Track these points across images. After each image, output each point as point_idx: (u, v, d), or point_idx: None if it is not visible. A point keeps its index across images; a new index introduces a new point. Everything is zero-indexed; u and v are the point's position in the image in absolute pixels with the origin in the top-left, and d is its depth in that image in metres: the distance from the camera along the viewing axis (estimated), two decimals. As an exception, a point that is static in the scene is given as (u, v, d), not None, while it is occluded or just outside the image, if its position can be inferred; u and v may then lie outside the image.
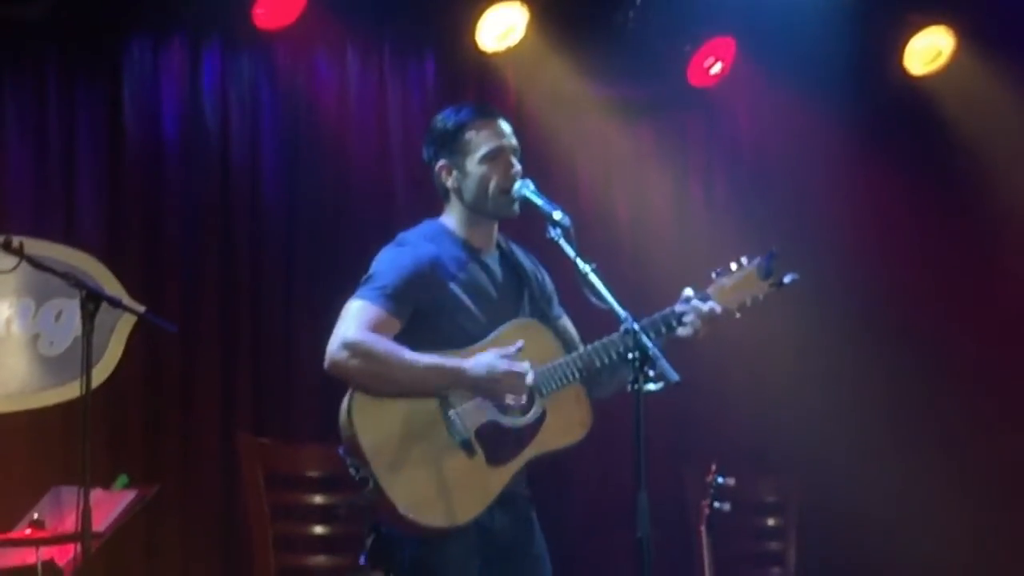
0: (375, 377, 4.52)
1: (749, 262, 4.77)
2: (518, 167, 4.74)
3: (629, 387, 4.28)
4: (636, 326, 4.34)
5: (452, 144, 4.76)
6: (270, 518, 6.64)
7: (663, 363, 4.24)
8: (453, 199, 4.79)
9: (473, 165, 4.73)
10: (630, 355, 4.29)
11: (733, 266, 4.76)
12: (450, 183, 4.77)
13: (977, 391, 7.89)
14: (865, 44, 7.83)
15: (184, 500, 6.89)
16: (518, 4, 7.36)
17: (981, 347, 7.93)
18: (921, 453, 7.64)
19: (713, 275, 4.77)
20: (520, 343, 4.59)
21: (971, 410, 7.86)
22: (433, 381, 4.55)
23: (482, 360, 4.56)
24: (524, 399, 4.60)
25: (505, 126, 4.80)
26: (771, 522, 7.59)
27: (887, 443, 7.65)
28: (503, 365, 4.54)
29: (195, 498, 6.94)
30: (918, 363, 7.81)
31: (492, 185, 4.71)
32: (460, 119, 4.78)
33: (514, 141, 4.79)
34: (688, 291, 4.71)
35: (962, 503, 7.60)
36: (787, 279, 4.73)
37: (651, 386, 4.25)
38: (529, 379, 4.58)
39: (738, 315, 4.75)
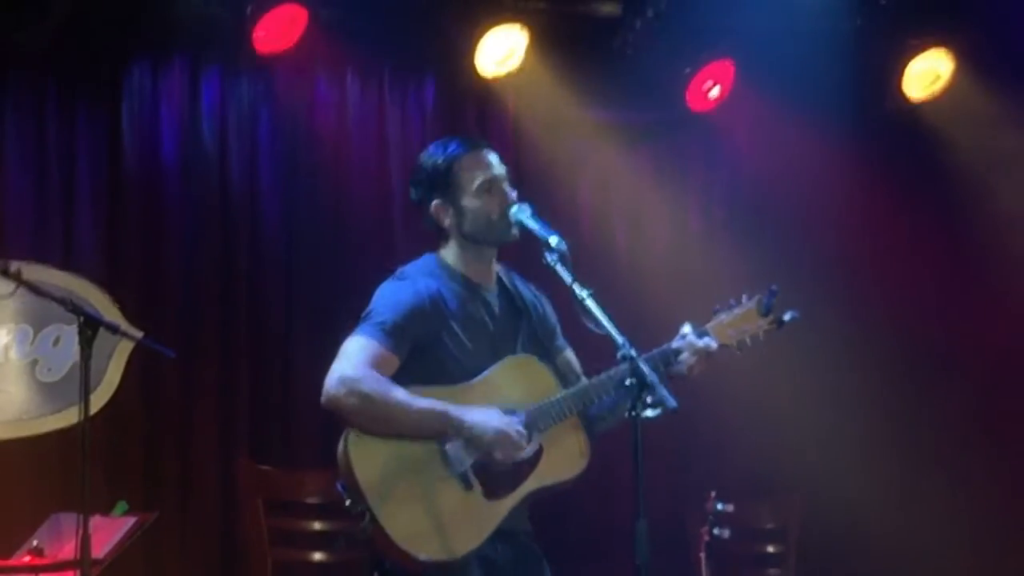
0: (371, 418, 4.52)
1: (749, 299, 4.77)
2: (513, 194, 4.74)
3: (627, 414, 4.27)
4: (633, 352, 4.34)
5: (444, 182, 4.74)
6: (269, 544, 6.62)
7: (661, 390, 4.23)
8: (451, 234, 4.78)
9: (469, 199, 4.72)
10: (627, 382, 4.28)
11: (733, 303, 4.77)
12: (447, 222, 4.76)
13: (979, 416, 7.88)
14: (864, 68, 7.84)
15: (183, 526, 6.89)
16: (518, 28, 7.37)
17: (981, 370, 7.92)
18: (922, 479, 7.63)
19: (713, 310, 4.78)
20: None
21: (973, 435, 7.85)
22: (429, 426, 4.53)
23: (487, 421, 4.53)
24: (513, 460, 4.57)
25: (493, 156, 4.79)
26: (770, 548, 7.56)
27: (887, 468, 7.64)
28: (502, 427, 4.52)
29: (194, 524, 6.93)
30: (918, 387, 7.81)
31: (491, 216, 4.71)
32: (450, 155, 4.76)
33: (504, 169, 4.79)
34: (687, 327, 4.71)
35: (965, 530, 7.59)
36: (787, 317, 4.74)
37: (649, 413, 4.25)
38: (526, 453, 4.57)
39: (739, 353, 4.75)
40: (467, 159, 4.75)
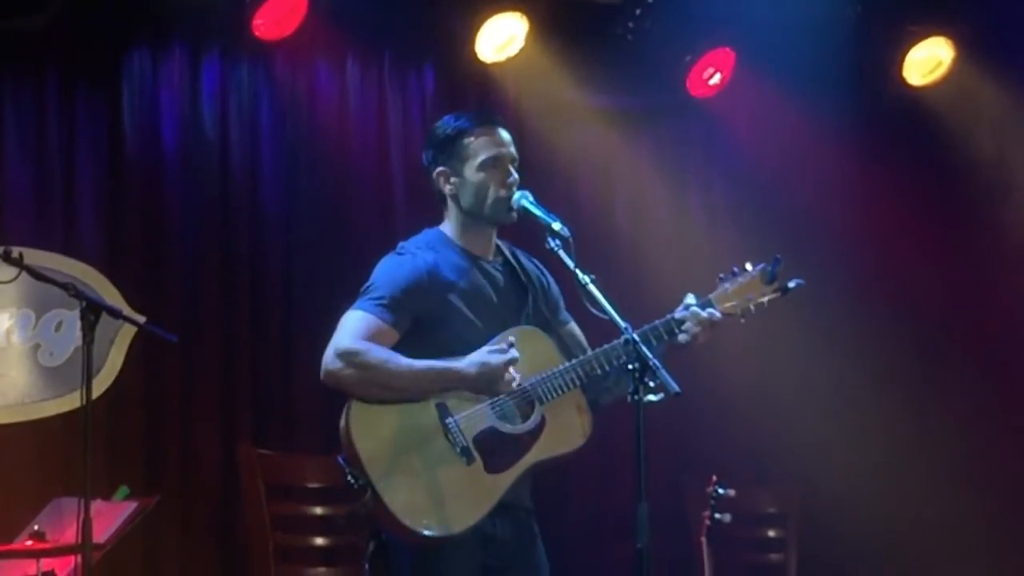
0: (369, 384, 4.53)
1: (753, 267, 4.77)
2: (515, 176, 4.75)
3: (629, 398, 4.28)
4: (636, 337, 4.35)
5: (451, 150, 4.77)
6: (270, 529, 6.64)
7: (664, 374, 4.24)
8: (451, 205, 4.81)
9: (471, 172, 4.74)
10: (630, 366, 4.30)
11: (737, 271, 4.76)
12: (448, 189, 4.79)
13: (980, 401, 7.89)
14: (864, 55, 7.84)
15: (184, 511, 6.89)
16: (518, 15, 7.36)
17: (984, 357, 7.93)
18: (923, 464, 7.63)
19: (718, 278, 4.78)
20: (512, 338, 4.60)
21: (974, 419, 7.85)
22: (427, 384, 4.56)
23: (474, 358, 4.56)
24: (517, 382, 4.59)
25: (505, 134, 4.81)
26: (772, 533, 7.58)
27: (888, 454, 7.65)
28: (495, 358, 4.55)
29: (195, 509, 6.94)
30: (920, 372, 7.81)
31: (490, 192, 4.73)
32: (460, 125, 4.80)
33: (513, 150, 4.80)
34: (690, 297, 4.71)
35: (965, 514, 7.60)
36: (791, 284, 4.73)
37: (651, 397, 4.26)
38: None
39: (743, 320, 4.74)
40: (478, 131, 4.77)
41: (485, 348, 4.58)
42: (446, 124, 4.83)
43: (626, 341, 4.35)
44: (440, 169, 4.79)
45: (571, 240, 4.57)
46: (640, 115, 7.87)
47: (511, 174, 4.75)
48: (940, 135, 7.98)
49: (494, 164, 4.74)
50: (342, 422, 4.55)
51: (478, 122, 4.82)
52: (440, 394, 4.57)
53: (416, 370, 4.54)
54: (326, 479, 6.65)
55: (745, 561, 7.43)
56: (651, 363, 4.25)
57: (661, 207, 7.94)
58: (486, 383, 4.56)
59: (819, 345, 7.50)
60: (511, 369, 4.56)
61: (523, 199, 4.70)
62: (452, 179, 4.77)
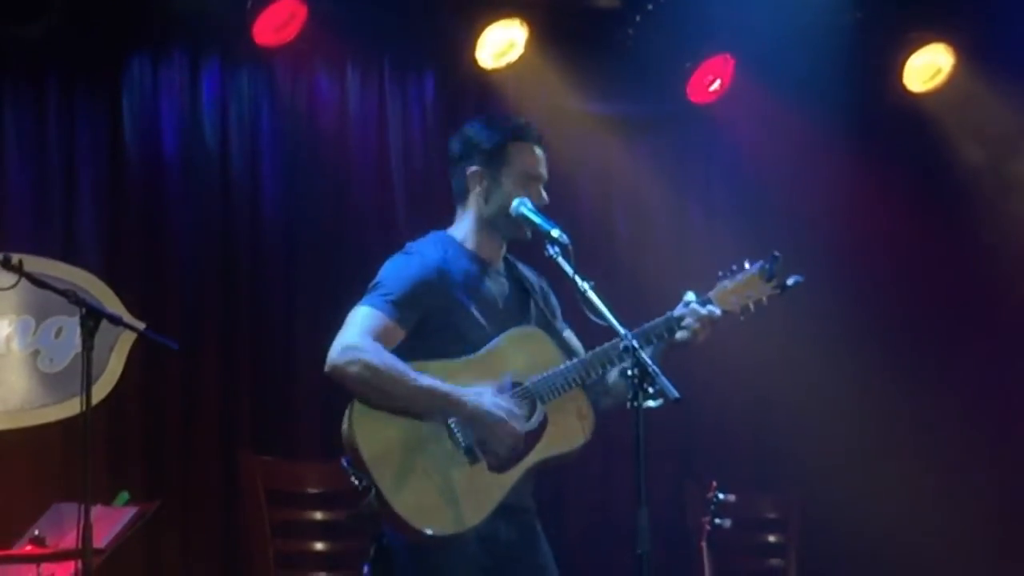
0: (372, 389, 4.53)
1: (752, 265, 4.77)
2: (546, 199, 4.75)
3: (628, 404, 4.28)
4: (635, 343, 4.36)
5: (493, 152, 4.74)
6: (270, 535, 6.64)
7: (663, 380, 4.25)
8: (470, 206, 4.78)
9: (508, 180, 4.73)
10: (629, 372, 4.30)
11: (735, 268, 4.77)
12: (476, 190, 4.76)
13: (983, 407, 7.89)
14: (864, 62, 7.85)
15: (185, 516, 6.89)
16: (518, 22, 7.37)
17: (983, 363, 7.93)
18: (923, 469, 7.63)
19: (717, 277, 4.78)
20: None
21: (973, 427, 7.85)
22: (427, 403, 4.54)
23: (483, 402, 4.54)
24: (510, 444, 4.58)
25: (544, 155, 4.81)
26: (772, 539, 7.58)
27: (889, 459, 7.65)
28: (500, 415, 4.54)
29: (196, 514, 6.94)
30: (921, 379, 7.81)
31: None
32: (510, 131, 4.78)
33: (546, 172, 4.80)
34: (690, 294, 4.72)
35: (965, 520, 7.59)
36: (790, 281, 4.73)
37: (651, 403, 4.26)
38: (531, 424, 4.60)
39: (742, 318, 4.74)
40: (525, 145, 4.77)
41: (496, 391, 4.58)
42: (496, 124, 4.82)
43: (625, 348, 4.36)
44: (474, 169, 4.78)
45: (570, 247, 4.57)
46: (640, 121, 7.88)
47: (543, 196, 4.76)
48: (940, 141, 7.98)
49: (532, 180, 4.74)
50: (344, 424, 4.55)
51: (527, 135, 4.80)
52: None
53: (419, 386, 4.52)
54: (326, 484, 6.65)
55: (746, 566, 7.43)
56: (650, 369, 4.26)
57: (660, 213, 7.94)
58: (481, 428, 4.55)
59: (819, 349, 7.49)
60: (513, 426, 4.55)
61: (521, 206, 4.70)
62: (484, 181, 4.77)
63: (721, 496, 6.44)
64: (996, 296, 8.02)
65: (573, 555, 7.12)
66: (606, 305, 4.46)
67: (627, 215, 7.96)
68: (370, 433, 4.53)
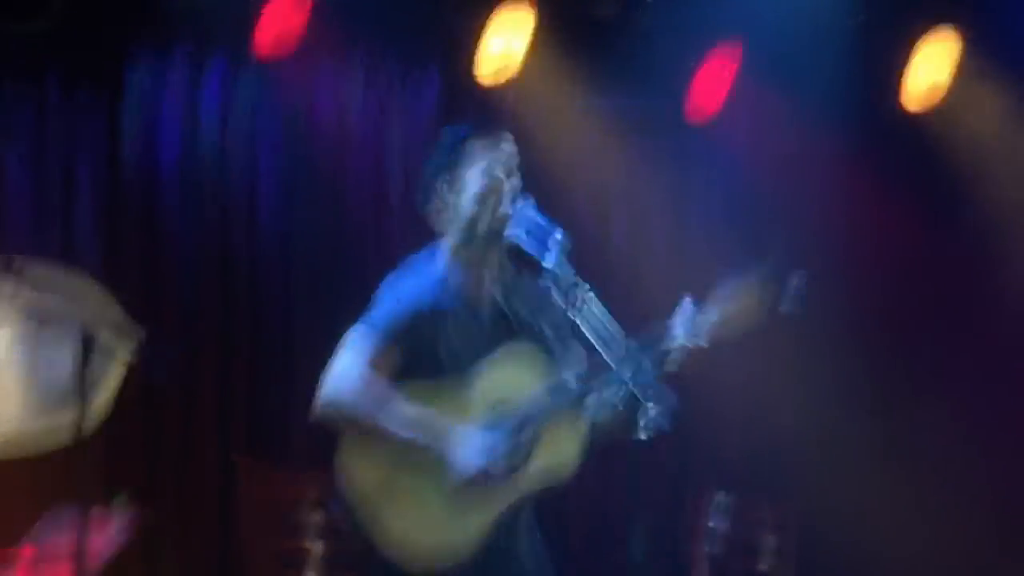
0: (357, 431, 4.52)
1: (751, 274, 4.76)
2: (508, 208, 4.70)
3: (621, 435, 4.28)
4: (627, 377, 4.36)
5: (452, 157, 4.71)
6: (268, 540, 6.64)
7: (655, 418, 4.24)
8: (450, 220, 4.76)
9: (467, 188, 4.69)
10: (620, 407, 4.30)
11: (734, 275, 4.76)
12: (448, 200, 4.72)
13: (977, 414, 7.89)
14: (868, 63, 7.84)
15: (182, 522, 6.90)
16: (520, 23, 7.37)
17: (981, 371, 7.93)
18: (922, 476, 7.64)
19: (716, 283, 4.77)
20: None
21: (972, 433, 7.85)
22: (414, 435, 4.51)
23: (467, 446, 4.51)
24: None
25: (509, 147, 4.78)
26: (770, 543, 7.57)
27: (887, 465, 7.65)
28: (477, 463, 4.51)
29: (193, 520, 6.95)
30: (919, 387, 7.82)
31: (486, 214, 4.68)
32: (461, 133, 4.75)
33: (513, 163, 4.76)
34: (687, 301, 4.68)
35: (963, 527, 7.60)
36: (790, 285, 4.72)
37: (643, 436, 4.26)
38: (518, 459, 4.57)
39: (738, 331, 4.74)
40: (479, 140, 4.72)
41: (486, 448, 4.53)
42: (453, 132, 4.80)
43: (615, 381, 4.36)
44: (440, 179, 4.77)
45: (567, 252, 4.55)
46: (640, 125, 7.87)
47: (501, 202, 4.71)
48: (943, 148, 7.97)
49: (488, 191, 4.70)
50: (336, 463, 4.55)
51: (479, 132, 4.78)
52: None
53: (406, 419, 4.49)
54: (324, 491, 6.63)
55: (743, 570, 7.42)
56: (642, 405, 4.27)
57: (660, 218, 7.94)
58: (458, 475, 4.52)
59: (818, 354, 7.50)
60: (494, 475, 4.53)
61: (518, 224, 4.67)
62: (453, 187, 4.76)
63: (719, 500, 6.44)
64: (1000, 307, 8.02)
65: (570, 560, 7.13)
66: (606, 308, 4.43)
67: (626, 218, 7.99)
68: (360, 469, 4.53)
